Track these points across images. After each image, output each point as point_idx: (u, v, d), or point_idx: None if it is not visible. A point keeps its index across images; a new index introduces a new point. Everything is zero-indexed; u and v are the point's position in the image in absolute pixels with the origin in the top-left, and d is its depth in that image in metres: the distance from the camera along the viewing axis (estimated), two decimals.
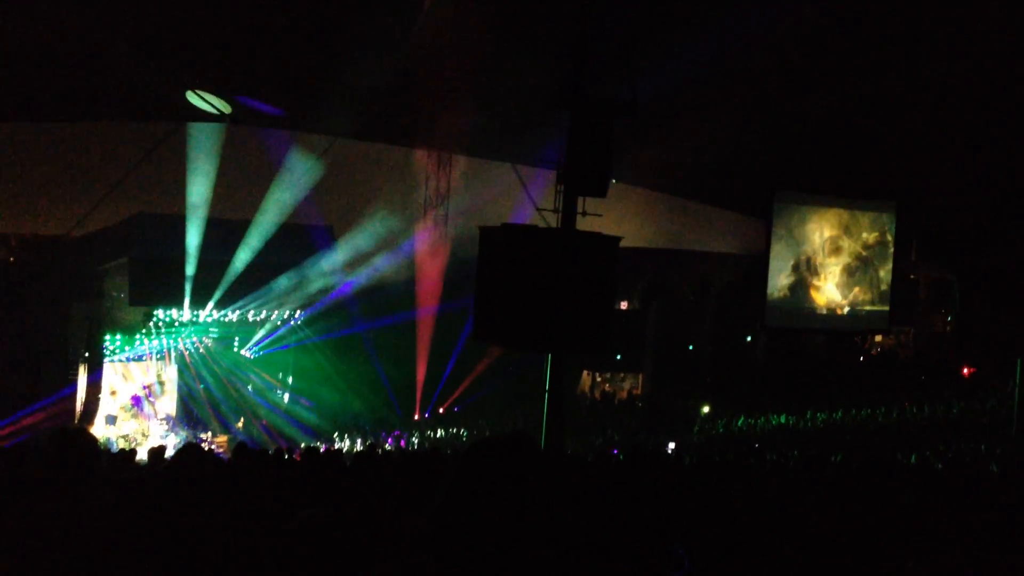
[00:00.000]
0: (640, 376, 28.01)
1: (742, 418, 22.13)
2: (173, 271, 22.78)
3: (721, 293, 27.55)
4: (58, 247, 21.88)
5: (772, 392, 23.21)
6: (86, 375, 23.04)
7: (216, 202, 21.43)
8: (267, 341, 26.16)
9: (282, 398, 27.03)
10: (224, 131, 19.93)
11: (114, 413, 23.64)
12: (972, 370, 21.79)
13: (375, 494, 5.55)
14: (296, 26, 13.54)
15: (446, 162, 22.80)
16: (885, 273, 18.07)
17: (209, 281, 23.26)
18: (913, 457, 13.63)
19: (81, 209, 20.69)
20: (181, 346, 25.14)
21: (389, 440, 23.89)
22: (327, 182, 22.13)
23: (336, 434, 24.74)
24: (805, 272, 17.64)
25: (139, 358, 24.41)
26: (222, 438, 23.34)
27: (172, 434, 23.50)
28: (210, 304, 23.87)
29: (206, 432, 23.90)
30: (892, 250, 18.06)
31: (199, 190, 21.13)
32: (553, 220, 9.55)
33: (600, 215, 9.30)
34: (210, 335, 25.64)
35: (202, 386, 25.31)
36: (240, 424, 24.97)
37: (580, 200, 9.27)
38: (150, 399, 24.43)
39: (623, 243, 8.85)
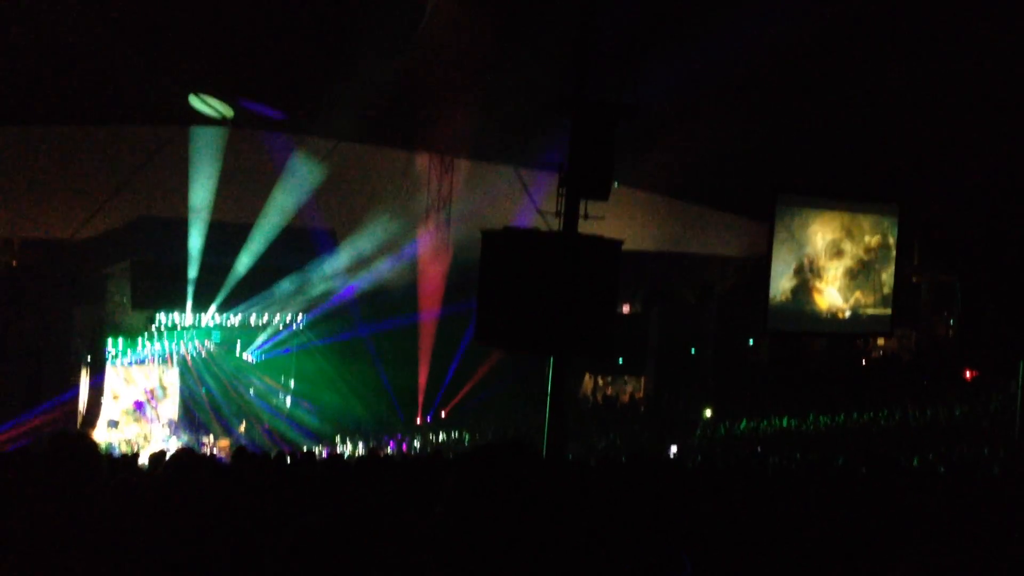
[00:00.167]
0: (642, 379, 27.97)
1: (744, 421, 22.10)
2: (175, 275, 22.82)
3: (723, 296, 27.53)
4: (61, 250, 21.89)
5: (774, 395, 23.16)
6: (88, 379, 23.03)
7: (218, 206, 21.47)
8: (269, 345, 26.16)
9: (284, 402, 27.01)
10: (226, 135, 19.98)
11: (116, 417, 23.62)
12: (974, 373, 21.72)
13: (376, 498, 5.54)
14: (299, 30, 13.58)
15: (448, 166, 22.85)
16: (887, 276, 18.03)
17: (211, 285, 23.28)
18: (916, 460, 13.60)
19: (84, 213, 20.75)
20: (183, 350, 25.13)
21: (391, 444, 23.88)
22: (329, 186, 22.17)
23: (338, 438, 24.72)
24: (807, 275, 17.60)
25: (141, 362, 24.39)
26: (224, 442, 23.30)
27: (174, 438, 23.48)
28: (212, 308, 23.89)
29: (208, 436, 23.88)
30: (894, 253, 18.01)
31: (201, 194, 21.18)
32: (555, 223, 9.55)
33: (602, 218, 9.28)
34: (212, 339, 25.64)
35: (204, 390, 25.28)
36: (242, 428, 24.94)
37: (582, 203, 9.27)
38: (152, 403, 24.41)
39: (625, 246, 8.86)
